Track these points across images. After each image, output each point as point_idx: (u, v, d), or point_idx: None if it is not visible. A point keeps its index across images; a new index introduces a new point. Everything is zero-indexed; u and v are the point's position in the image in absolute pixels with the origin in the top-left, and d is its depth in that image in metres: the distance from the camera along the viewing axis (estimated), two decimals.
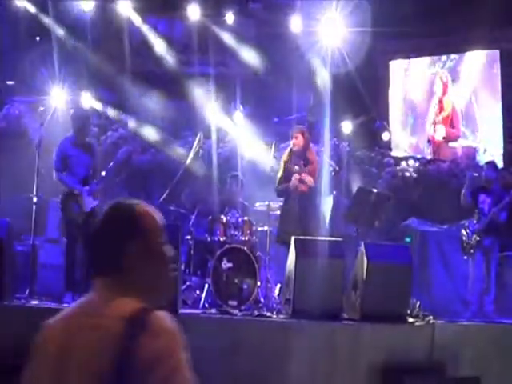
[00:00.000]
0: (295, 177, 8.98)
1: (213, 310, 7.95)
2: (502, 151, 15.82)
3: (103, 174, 9.12)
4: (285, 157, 9.28)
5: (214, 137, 13.12)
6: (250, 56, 15.71)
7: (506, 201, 10.04)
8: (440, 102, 16.91)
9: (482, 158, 15.87)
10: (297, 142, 9.15)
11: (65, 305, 7.66)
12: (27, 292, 8.13)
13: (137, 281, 2.38)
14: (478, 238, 10.13)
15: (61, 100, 12.82)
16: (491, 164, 11.13)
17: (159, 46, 15.30)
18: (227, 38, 15.65)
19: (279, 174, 9.20)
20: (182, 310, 7.44)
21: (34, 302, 7.93)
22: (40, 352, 2.41)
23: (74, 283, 8.47)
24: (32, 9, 13.79)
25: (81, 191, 8.81)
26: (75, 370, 2.29)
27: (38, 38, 14.59)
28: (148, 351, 2.21)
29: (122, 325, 2.25)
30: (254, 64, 15.60)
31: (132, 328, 2.24)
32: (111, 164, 9.39)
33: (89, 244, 2.39)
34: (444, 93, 16.83)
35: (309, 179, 8.98)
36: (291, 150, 9.19)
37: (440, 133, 16.71)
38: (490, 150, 15.99)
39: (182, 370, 2.25)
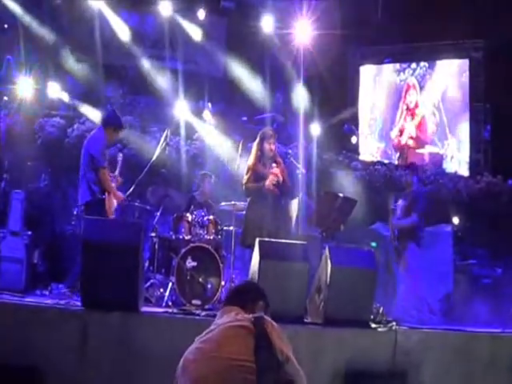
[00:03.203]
0: (271, 178, 8.85)
1: (175, 309, 7.83)
2: (468, 159, 15.93)
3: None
4: (253, 158, 9.12)
5: (182, 134, 13.05)
6: (220, 54, 15.65)
7: (402, 204, 10.02)
8: (410, 109, 16.97)
9: (449, 166, 15.97)
10: (272, 147, 9.04)
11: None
12: None
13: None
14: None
15: (27, 90, 12.65)
16: (411, 167, 11.06)
17: (130, 40, 15.16)
18: (198, 35, 15.57)
19: (248, 174, 9.05)
20: (143, 308, 7.32)
21: None
22: None
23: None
24: None
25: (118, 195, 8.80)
26: None
27: (5, 26, 14.32)
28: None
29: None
30: (224, 62, 15.55)
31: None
32: (116, 172, 9.13)
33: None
34: (417, 102, 16.90)
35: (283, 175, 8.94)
36: (261, 153, 9.05)
37: (408, 140, 16.79)
38: (457, 158, 16.10)
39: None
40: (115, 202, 8.82)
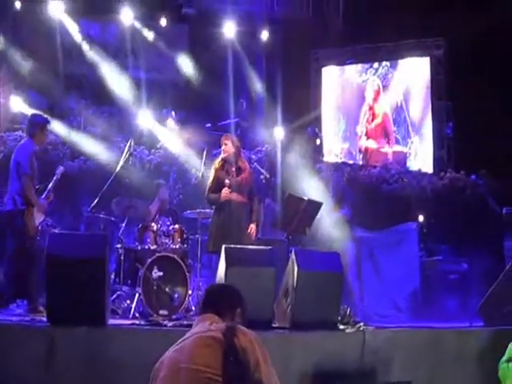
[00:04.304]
0: (225, 190, 8.87)
1: (142, 321, 7.82)
2: (431, 157, 16.07)
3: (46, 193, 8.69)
4: (216, 165, 9.14)
5: (145, 143, 13.00)
6: (182, 61, 15.65)
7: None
8: (371, 109, 17.08)
9: (413, 164, 16.10)
10: (226, 148, 9.05)
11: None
12: None
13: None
14: None
15: None
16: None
17: (91, 49, 15.08)
18: (160, 43, 15.56)
19: (209, 182, 9.09)
20: (110, 321, 7.30)
21: None
22: None
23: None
24: None
25: (41, 206, 8.48)
26: None
27: None
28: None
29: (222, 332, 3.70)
30: (186, 69, 15.54)
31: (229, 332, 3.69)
32: (50, 185, 8.80)
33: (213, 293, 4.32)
34: (375, 100, 17.01)
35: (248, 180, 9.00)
36: (222, 158, 9.11)
37: (371, 144, 16.89)
38: (421, 156, 16.23)
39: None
40: (40, 216, 8.50)
